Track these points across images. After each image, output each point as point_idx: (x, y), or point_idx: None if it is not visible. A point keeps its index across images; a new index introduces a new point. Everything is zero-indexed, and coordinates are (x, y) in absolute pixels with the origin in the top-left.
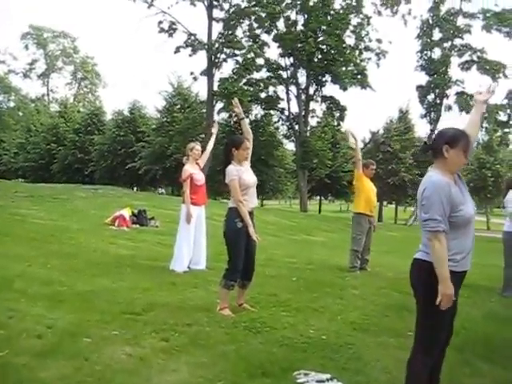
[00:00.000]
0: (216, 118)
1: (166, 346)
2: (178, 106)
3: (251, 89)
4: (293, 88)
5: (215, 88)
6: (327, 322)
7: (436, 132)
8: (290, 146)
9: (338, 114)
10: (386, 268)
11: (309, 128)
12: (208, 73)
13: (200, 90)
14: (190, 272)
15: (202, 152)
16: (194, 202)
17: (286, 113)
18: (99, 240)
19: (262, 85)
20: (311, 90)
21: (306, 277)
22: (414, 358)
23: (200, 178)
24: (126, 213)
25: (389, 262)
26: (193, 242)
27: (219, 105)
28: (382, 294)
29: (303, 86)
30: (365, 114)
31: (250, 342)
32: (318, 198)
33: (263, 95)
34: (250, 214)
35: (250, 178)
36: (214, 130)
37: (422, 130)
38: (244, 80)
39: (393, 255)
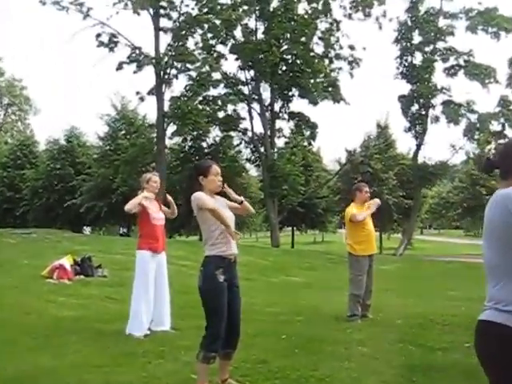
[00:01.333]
0: (168, 142)
1: None
2: (123, 132)
3: (207, 108)
4: (255, 105)
5: (166, 108)
6: None
7: (506, 145)
8: (254, 171)
9: (308, 133)
10: (390, 313)
11: (276, 150)
12: (157, 91)
13: (148, 111)
14: (151, 335)
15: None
16: (151, 247)
17: (249, 134)
18: (34, 298)
19: (219, 103)
20: (277, 107)
21: (299, 332)
22: None
23: (158, 215)
24: (67, 262)
25: (390, 303)
26: (153, 297)
27: (171, 128)
28: (399, 351)
29: (267, 103)
30: (339, 130)
31: None
32: (290, 229)
33: (221, 114)
34: (231, 263)
35: (227, 213)
36: (170, 199)
37: (404, 145)
38: (199, 98)
39: (392, 294)
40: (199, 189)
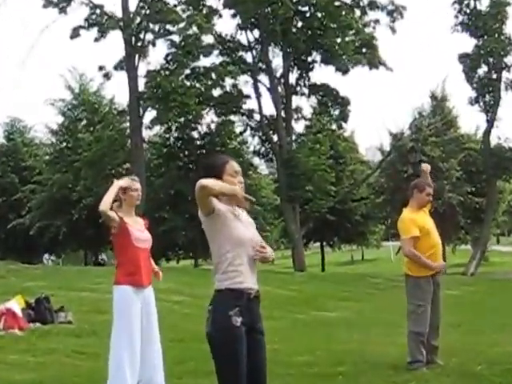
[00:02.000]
0: (146, 134)
1: None
2: (84, 123)
3: (197, 84)
4: (263, 77)
5: (141, 88)
6: None
7: None
8: (265, 168)
9: (336, 112)
10: (466, 356)
11: (294, 137)
12: (127, 65)
13: (117, 93)
14: None
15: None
16: (133, 279)
17: (257, 117)
18: None
19: (213, 76)
20: (292, 78)
21: None
22: None
23: (142, 236)
24: (17, 305)
25: (465, 342)
26: (139, 348)
27: (149, 114)
28: None
29: (279, 73)
30: (379, 107)
31: None
32: (318, 244)
33: (217, 92)
34: (251, 299)
35: (249, 232)
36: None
37: (469, 123)
38: (186, 71)
39: (466, 330)
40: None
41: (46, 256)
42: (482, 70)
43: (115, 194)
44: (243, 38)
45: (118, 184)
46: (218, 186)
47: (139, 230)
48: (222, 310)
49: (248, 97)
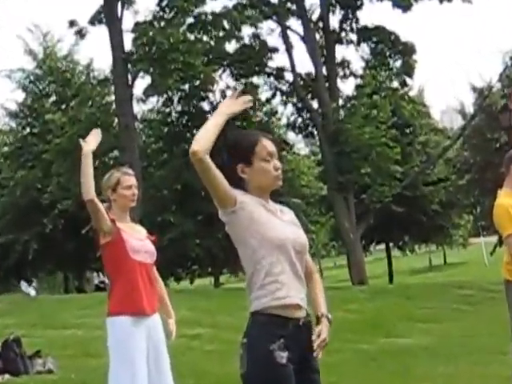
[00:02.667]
0: (139, 109)
1: None
2: (53, 99)
3: (205, 37)
4: (294, 22)
5: (128, 46)
6: None
7: None
8: (304, 146)
9: (398, 63)
10: None
11: (341, 102)
12: (108, 16)
13: (96, 56)
14: None
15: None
16: (133, 307)
17: (288, 77)
18: None
19: (226, 25)
20: (334, 21)
21: None
22: None
23: (142, 246)
24: None
25: None
26: None
27: (142, 81)
28: None
29: (316, 15)
30: (455, 54)
31: None
32: (382, 247)
33: (232, 47)
34: (299, 327)
35: (285, 228)
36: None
37: None
38: (188, 20)
39: None
40: (240, 188)
41: (23, 284)
42: None
43: (90, 169)
44: None
45: (87, 151)
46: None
47: (138, 239)
48: (261, 342)
49: (275, 50)
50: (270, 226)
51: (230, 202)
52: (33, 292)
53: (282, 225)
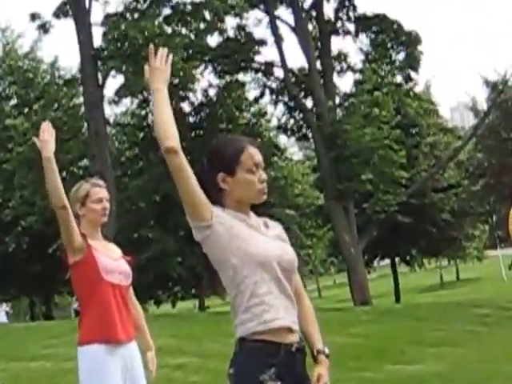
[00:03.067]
0: (111, 112)
1: None
2: (14, 102)
3: (183, 30)
4: (284, 12)
5: (97, 42)
6: None
7: None
8: (298, 150)
9: (401, 55)
10: None
11: (338, 100)
12: (75, 8)
13: (61, 53)
14: None
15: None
16: (107, 334)
17: (279, 73)
18: None
19: (207, 16)
20: (329, 9)
21: None
22: None
23: (116, 266)
24: None
25: None
26: None
27: (114, 81)
28: None
29: (308, 3)
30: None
31: None
32: (388, 262)
33: (215, 40)
34: (291, 354)
35: (269, 243)
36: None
37: None
38: (164, 11)
39: None
40: (218, 200)
41: None
42: None
43: (55, 173)
44: None
45: (48, 152)
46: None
47: (112, 258)
48: (249, 372)
49: (263, 43)
50: (252, 242)
51: (205, 213)
52: (3, 318)
53: (265, 240)
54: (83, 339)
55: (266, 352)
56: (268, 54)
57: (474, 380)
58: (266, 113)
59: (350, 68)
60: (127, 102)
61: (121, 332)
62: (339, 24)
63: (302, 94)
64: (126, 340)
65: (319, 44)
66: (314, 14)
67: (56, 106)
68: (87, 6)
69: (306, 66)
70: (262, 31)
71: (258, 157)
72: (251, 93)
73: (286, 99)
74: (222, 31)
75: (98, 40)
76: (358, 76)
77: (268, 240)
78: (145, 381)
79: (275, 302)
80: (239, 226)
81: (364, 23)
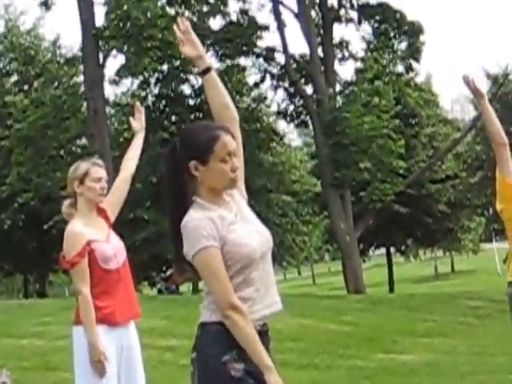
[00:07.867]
0: (111, 92)
1: None
2: (15, 79)
3: (186, 12)
4: None
5: (100, 21)
6: None
7: None
8: (297, 137)
9: (403, 45)
10: None
11: (339, 88)
12: None
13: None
14: None
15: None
16: (104, 317)
17: (280, 59)
18: None
19: None
20: None
21: None
22: None
23: (111, 251)
24: None
25: None
26: None
27: (115, 61)
28: None
29: None
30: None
31: None
32: (383, 251)
33: (217, 23)
34: (260, 334)
35: (253, 236)
36: (138, 122)
37: None
38: None
39: None
40: (187, 189)
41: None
42: None
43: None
44: None
45: (89, 321)
46: (234, 321)
47: (105, 242)
48: (211, 354)
49: (265, 28)
50: (241, 237)
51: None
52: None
53: (251, 230)
54: (80, 319)
55: (228, 334)
56: (270, 39)
57: (464, 371)
58: (266, 98)
59: (352, 56)
60: (127, 83)
61: (118, 314)
62: (342, 11)
63: (303, 80)
64: (123, 322)
65: (321, 31)
66: (317, 0)
67: (56, 84)
68: None
69: (308, 52)
70: (264, 16)
71: (232, 145)
72: (252, 77)
73: (286, 85)
74: (224, 15)
75: (100, 19)
76: (359, 64)
77: (254, 226)
78: (141, 363)
79: (262, 293)
80: (226, 221)
81: (367, 11)
